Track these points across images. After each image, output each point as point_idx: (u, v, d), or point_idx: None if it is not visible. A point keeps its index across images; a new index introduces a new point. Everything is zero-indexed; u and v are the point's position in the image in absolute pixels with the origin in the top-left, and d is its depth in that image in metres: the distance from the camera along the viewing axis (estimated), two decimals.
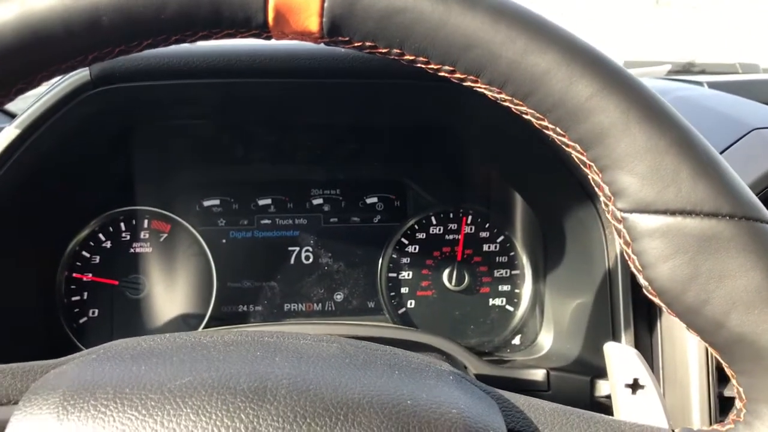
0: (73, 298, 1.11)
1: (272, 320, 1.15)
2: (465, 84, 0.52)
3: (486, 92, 0.52)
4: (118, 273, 1.12)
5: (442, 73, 0.51)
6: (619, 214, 0.48)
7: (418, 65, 0.51)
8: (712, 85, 1.28)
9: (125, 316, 1.11)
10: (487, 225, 1.17)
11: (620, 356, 0.54)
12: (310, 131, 1.11)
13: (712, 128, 1.02)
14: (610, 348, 0.56)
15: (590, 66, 0.49)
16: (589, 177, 0.51)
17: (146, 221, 1.14)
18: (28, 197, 0.94)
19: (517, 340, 1.14)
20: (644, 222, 0.46)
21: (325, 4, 0.48)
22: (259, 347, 0.50)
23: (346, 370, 0.47)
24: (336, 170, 1.18)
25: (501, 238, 1.17)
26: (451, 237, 1.17)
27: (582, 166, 0.51)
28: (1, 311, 0.96)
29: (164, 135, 1.07)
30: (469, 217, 1.16)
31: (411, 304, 1.16)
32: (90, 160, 1.03)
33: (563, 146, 0.52)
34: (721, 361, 0.45)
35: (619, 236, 0.48)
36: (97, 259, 1.12)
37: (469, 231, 1.16)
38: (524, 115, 0.52)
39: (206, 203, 1.16)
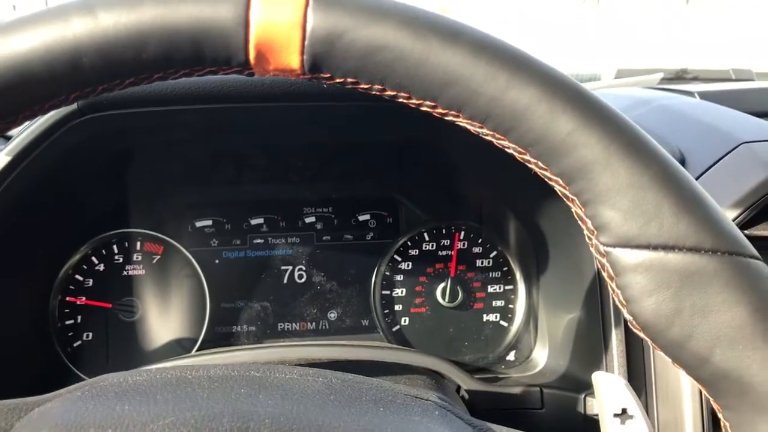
0: (67, 322, 1.11)
1: (266, 340, 1.15)
2: (447, 118, 0.52)
3: (468, 126, 0.52)
4: (112, 296, 1.12)
5: (423, 108, 0.52)
6: (602, 248, 0.48)
7: (400, 100, 0.52)
8: (704, 96, 1.28)
9: (120, 339, 1.11)
10: (479, 240, 1.17)
11: (609, 385, 0.54)
12: (301, 152, 1.11)
13: (701, 141, 1.02)
14: (598, 377, 0.56)
15: (571, 101, 0.50)
16: (572, 210, 0.52)
17: (139, 243, 1.14)
18: (20, 223, 0.94)
19: (511, 356, 1.14)
20: (627, 257, 0.47)
21: (306, 43, 0.49)
22: (244, 384, 0.50)
23: (331, 408, 0.47)
24: (328, 188, 1.18)
25: (494, 253, 1.17)
26: (444, 253, 1.17)
27: (564, 199, 0.51)
28: None
29: (155, 158, 1.07)
30: (462, 233, 1.17)
31: (405, 321, 1.15)
32: (81, 185, 1.04)
33: (545, 179, 0.52)
34: (708, 395, 0.45)
35: (603, 270, 0.48)
36: (90, 282, 1.12)
37: (462, 246, 1.16)
38: (506, 149, 0.53)
39: (198, 224, 1.16)
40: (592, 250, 0.49)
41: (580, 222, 0.52)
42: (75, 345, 1.11)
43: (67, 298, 1.11)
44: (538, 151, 0.50)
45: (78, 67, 0.50)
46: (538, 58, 0.53)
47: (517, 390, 0.95)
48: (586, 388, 0.91)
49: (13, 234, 0.94)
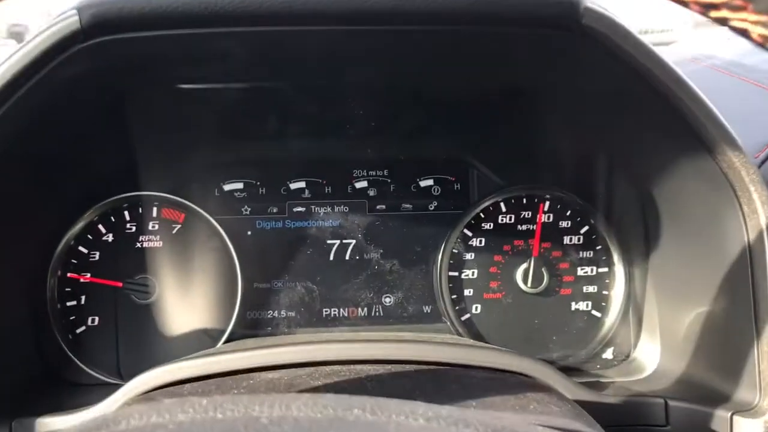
0: (68, 303, 0.92)
1: (308, 328, 0.95)
2: None
3: None
4: (122, 273, 0.93)
5: None
6: None
7: None
8: None
9: (131, 324, 0.92)
10: (568, 212, 0.96)
11: None
12: (364, 97, 0.90)
13: None
14: None
15: None
16: None
17: (155, 209, 0.94)
18: (9, 182, 0.74)
19: (608, 354, 0.94)
20: None
21: None
22: None
23: None
24: (382, 146, 0.97)
25: (585, 228, 0.96)
26: (524, 227, 0.96)
27: None
28: None
29: (175, 102, 0.87)
30: (547, 203, 0.96)
31: (476, 309, 0.95)
32: (84, 135, 0.83)
33: None
34: None
35: None
36: (97, 255, 0.93)
37: (546, 220, 0.96)
38: None
39: (227, 187, 0.96)
40: None
41: None
42: (78, 331, 0.92)
43: (69, 275, 0.92)
44: None
45: None
46: None
47: (631, 400, 0.75)
48: (733, 405, 0.70)
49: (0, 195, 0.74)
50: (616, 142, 0.85)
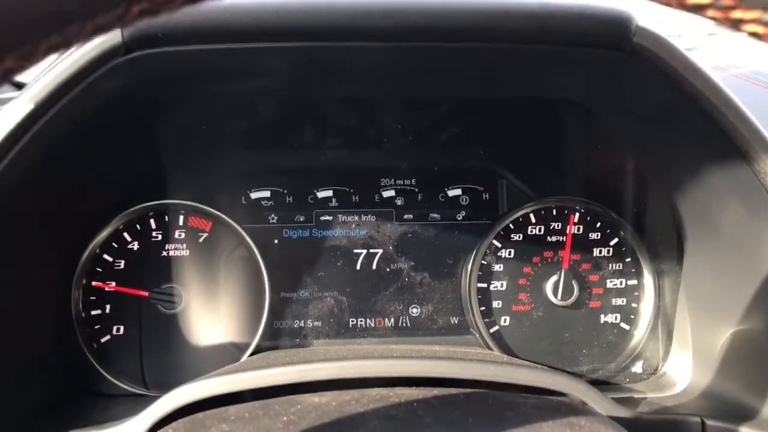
0: (93, 312, 0.91)
1: (335, 338, 0.94)
2: None
3: None
4: (148, 282, 0.91)
5: None
6: None
7: None
8: None
9: (157, 334, 0.91)
10: (598, 224, 0.95)
11: None
12: (403, 111, 0.89)
13: None
14: None
15: None
16: None
17: (182, 218, 0.93)
18: (39, 188, 0.73)
19: (638, 368, 0.93)
20: None
21: None
22: None
23: None
24: (412, 156, 0.96)
25: (615, 240, 0.95)
26: (554, 239, 0.95)
27: None
28: (8, 322, 0.75)
29: (206, 113, 0.85)
30: (577, 215, 0.95)
31: (505, 321, 0.95)
32: (117, 143, 0.82)
33: None
34: None
35: None
36: (122, 264, 0.91)
37: (576, 231, 0.95)
38: None
39: (254, 195, 0.95)
40: None
41: None
42: (102, 340, 0.91)
43: (94, 283, 0.90)
44: None
45: None
46: None
47: (668, 418, 0.75)
48: (765, 422, 0.70)
49: (30, 201, 0.73)
50: (653, 156, 0.84)
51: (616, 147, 0.88)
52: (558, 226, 0.96)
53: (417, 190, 0.97)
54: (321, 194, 0.96)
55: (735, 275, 0.78)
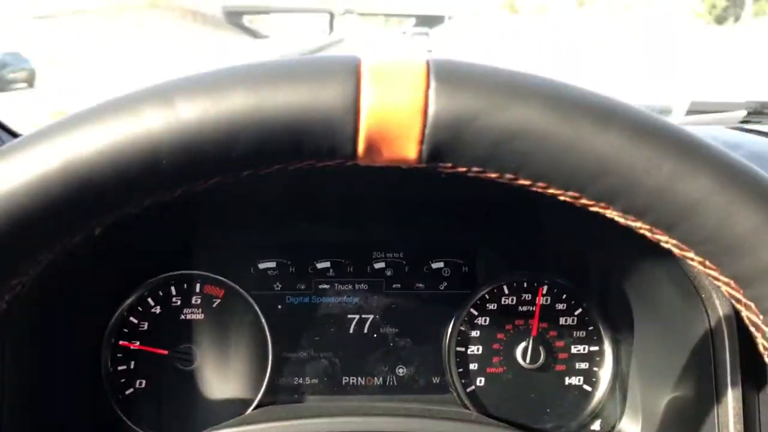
0: (120, 368, 1.04)
1: (329, 395, 1.07)
2: (591, 209, 0.44)
3: (617, 219, 0.45)
4: (168, 342, 1.04)
5: (563, 198, 0.44)
6: None
7: (535, 189, 0.44)
8: None
9: (175, 388, 1.04)
10: (564, 296, 1.07)
11: None
12: (382, 204, 1.03)
13: None
14: None
15: (755, 193, 0.42)
16: (743, 315, 0.44)
17: (198, 286, 1.06)
18: (75, 264, 0.87)
19: (596, 426, 1.05)
20: None
21: (427, 131, 0.41)
22: None
23: None
24: (400, 232, 1.09)
25: (579, 310, 1.07)
26: (524, 308, 1.07)
27: (734, 302, 0.44)
28: (45, 375, 0.89)
29: (222, 199, 1.00)
30: (545, 288, 1.07)
31: (480, 382, 1.07)
32: (141, 224, 0.96)
33: (711, 278, 0.44)
34: None
35: None
36: (146, 325, 1.05)
37: (544, 302, 1.07)
38: (663, 244, 0.45)
39: (261, 266, 1.08)
40: None
41: (753, 329, 0.44)
42: (127, 392, 1.04)
43: (121, 342, 1.04)
44: (709, 249, 0.43)
45: (155, 170, 0.42)
46: (706, 138, 0.45)
47: None
48: None
49: (67, 275, 0.87)
50: (603, 245, 0.97)
51: (573, 232, 1.00)
52: (528, 297, 1.08)
53: (404, 262, 1.10)
54: (320, 265, 1.09)
55: (672, 346, 0.90)
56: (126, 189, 0.43)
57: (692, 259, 0.44)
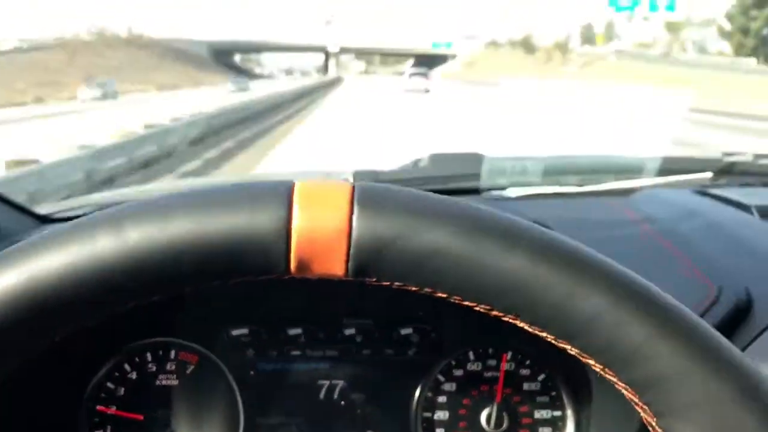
0: None
1: None
2: (503, 319, 0.51)
3: (527, 328, 0.51)
4: (144, 407, 1.08)
5: (477, 308, 0.50)
6: None
7: (452, 300, 0.51)
8: (763, 212, 1.22)
9: None
10: (528, 362, 1.11)
11: None
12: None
13: (763, 281, 0.96)
14: None
15: (643, 308, 0.49)
16: (642, 415, 0.49)
17: (173, 352, 1.10)
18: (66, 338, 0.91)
19: None
20: None
21: (351, 251, 0.47)
22: None
23: None
24: (370, 300, 1.13)
25: (542, 376, 1.11)
26: (489, 374, 1.11)
27: (633, 404, 0.49)
28: None
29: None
30: (509, 354, 1.11)
31: None
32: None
33: (610, 381, 0.50)
34: None
35: None
36: (122, 391, 1.08)
37: (509, 368, 1.11)
38: (569, 350, 0.51)
39: (234, 333, 1.12)
40: None
41: (651, 430, 0.49)
42: None
43: (97, 407, 1.07)
44: (605, 359, 0.50)
45: (109, 290, 0.50)
46: (605, 258, 0.51)
47: None
48: None
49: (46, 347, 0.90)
50: None
51: None
52: (493, 363, 1.12)
53: (374, 328, 1.14)
54: (291, 332, 1.13)
55: (625, 415, 0.93)
56: (82, 306, 0.49)
57: (594, 365, 0.49)
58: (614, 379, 0.48)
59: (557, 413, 1.10)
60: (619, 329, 0.46)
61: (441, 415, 1.10)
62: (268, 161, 13.40)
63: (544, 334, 0.49)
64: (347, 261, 0.47)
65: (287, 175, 1.72)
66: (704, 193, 1.41)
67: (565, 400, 1.10)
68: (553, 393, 1.11)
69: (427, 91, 43.20)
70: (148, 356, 1.10)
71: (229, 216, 0.46)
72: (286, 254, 0.47)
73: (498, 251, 0.47)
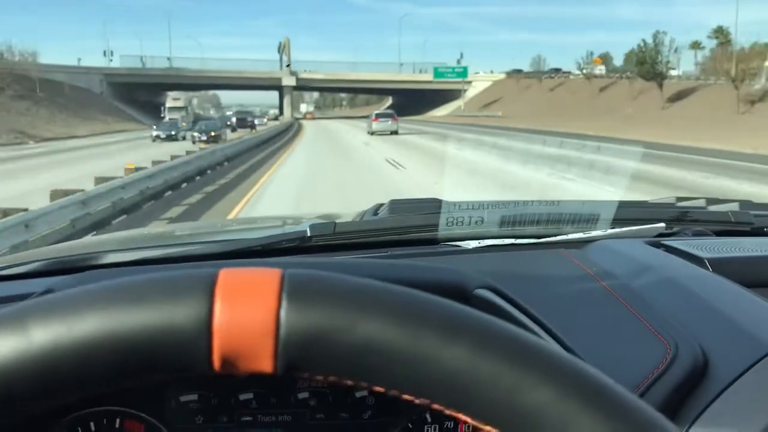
0: None
1: None
2: (445, 413, 0.49)
3: (470, 422, 0.48)
4: None
5: (417, 402, 0.49)
6: None
7: (390, 395, 0.49)
8: (715, 265, 1.23)
9: None
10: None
11: None
12: None
13: (723, 338, 0.96)
14: None
15: (592, 404, 0.46)
16: None
17: (118, 421, 1.05)
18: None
19: None
20: None
21: (279, 348, 0.44)
22: None
23: None
24: None
25: None
26: None
27: None
28: None
29: None
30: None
31: None
32: None
33: None
34: None
35: None
36: None
37: (467, 430, 1.08)
38: None
39: (183, 399, 1.08)
40: None
41: None
42: None
43: None
44: None
45: (9, 396, 0.46)
46: (548, 346, 0.50)
47: None
48: None
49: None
50: None
51: None
52: (450, 425, 1.09)
53: (328, 392, 1.11)
54: (242, 397, 1.09)
55: None
56: None
57: None
58: None
59: None
60: (564, 425, 0.45)
61: None
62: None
63: (488, 428, 0.47)
64: (275, 358, 0.44)
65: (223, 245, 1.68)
66: (658, 245, 1.42)
67: None
68: None
69: (395, 132, 43.54)
70: (92, 426, 1.05)
71: (145, 312, 0.43)
72: (209, 353, 0.44)
73: (435, 343, 0.45)
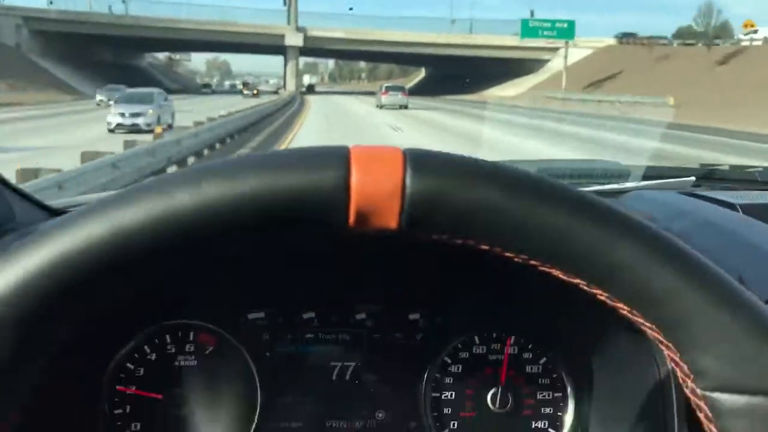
0: (116, 411, 1.11)
1: None
2: (539, 269, 0.56)
3: (561, 276, 0.56)
4: (162, 386, 1.12)
5: (516, 259, 0.55)
6: (699, 392, 0.51)
7: (493, 252, 0.55)
8: (746, 209, 1.30)
9: (167, 431, 1.10)
10: (530, 346, 1.17)
11: None
12: (367, 263, 1.12)
13: (757, 269, 1.03)
14: None
15: (670, 255, 0.54)
16: (665, 353, 0.54)
17: (192, 334, 1.14)
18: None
19: None
20: (727, 401, 0.50)
21: (405, 206, 0.52)
22: None
23: None
24: (381, 287, 1.19)
25: (544, 359, 1.17)
26: (494, 357, 1.17)
27: (657, 342, 0.54)
28: (44, 419, 0.95)
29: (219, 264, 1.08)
30: (513, 338, 1.17)
31: (454, 425, 1.15)
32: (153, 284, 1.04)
33: (636, 323, 0.55)
34: None
35: (700, 412, 0.51)
36: (142, 371, 1.12)
37: (512, 352, 1.17)
38: (598, 296, 0.56)
39: (251, 316, 1.17)
40: (687, 392, 0.52)
41: (673, 365, 0.54)
42: None
43: (118, 387, 1.11)
44: (634, 303, 0.54)
45: (182, 238, 0.54)
46: (636, 215, 0.57)
47: None
48: None
49: (68, 330, 0.94)
50: (564, 305, 1.07)
51: (537, 290, 1.11)
52: (497, 346, 1.18)
53: (384, 313, 1.19)
54: (306, 316, 1.18)
55: (626, 396, 1.00)
56: (159, 255, 0.54)
57: (621, 309, 0.55)
58: (641, 320, 0.54)
59: (558, 394, 1.16)
60: (649, 274, 0.52)
61: (448, 395, 1.16)
62: None
63: (576, 281, 0.54)
64: (400, 215, 0.53)
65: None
66: (691, 194, 1.49)
67: (566, 383, 1.16)
68: (554, 375, 1.17)
69: (404, 107, 43.17)
70: (167, 338, 1.14)
71: (295, 175, 0.52)
72: (346, 209, 0.52)
73: (540, 206, 0.53)
